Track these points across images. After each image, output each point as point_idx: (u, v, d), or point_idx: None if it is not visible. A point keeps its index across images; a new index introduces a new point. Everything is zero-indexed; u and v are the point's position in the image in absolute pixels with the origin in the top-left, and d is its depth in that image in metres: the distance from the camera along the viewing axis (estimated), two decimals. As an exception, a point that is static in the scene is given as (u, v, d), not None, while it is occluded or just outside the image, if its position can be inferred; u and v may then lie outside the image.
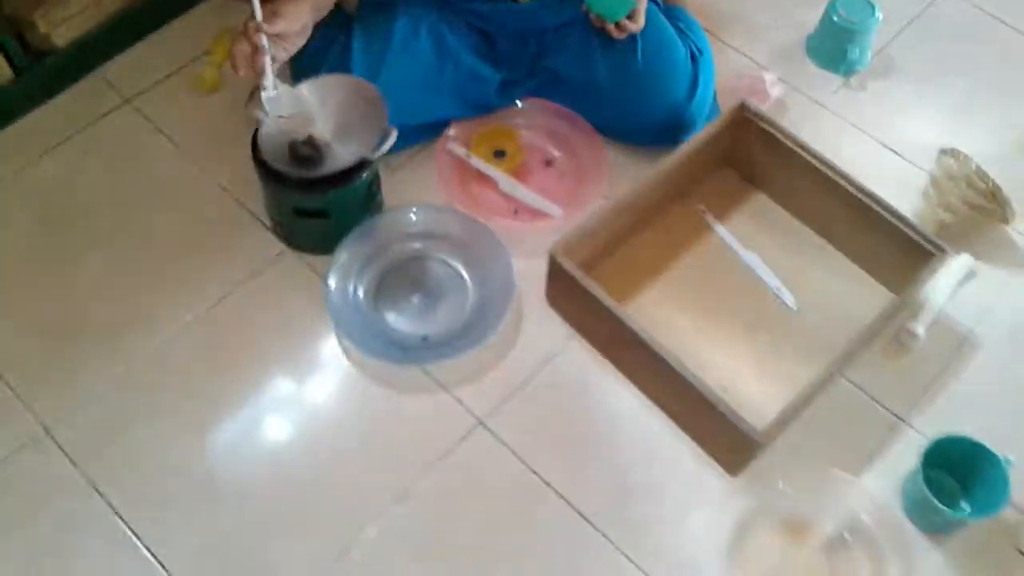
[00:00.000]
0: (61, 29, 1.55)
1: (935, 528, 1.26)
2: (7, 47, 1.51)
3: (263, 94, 1.30)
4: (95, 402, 1.31)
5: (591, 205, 1.46)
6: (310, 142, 1.35)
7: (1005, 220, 1.45)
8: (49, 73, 1.58)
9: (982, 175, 1.41)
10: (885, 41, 1.73)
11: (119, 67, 1.64)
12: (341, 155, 1.34)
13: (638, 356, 1.29)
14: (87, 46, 1.60)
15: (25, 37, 1.55)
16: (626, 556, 1.22)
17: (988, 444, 1.24)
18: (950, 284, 1.44)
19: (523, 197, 1.51)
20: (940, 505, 1.21)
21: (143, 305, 1.39)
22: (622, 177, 1.52)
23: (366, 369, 1.36)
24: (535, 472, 1.28)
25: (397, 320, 1.40)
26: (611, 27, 1.43)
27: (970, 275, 1.46)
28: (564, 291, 1.38)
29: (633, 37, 1.45)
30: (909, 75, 1.70)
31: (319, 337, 1.38)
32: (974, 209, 1.43)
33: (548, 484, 1.27)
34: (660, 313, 1.41)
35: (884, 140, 1.61)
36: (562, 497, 1.26)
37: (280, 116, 1.33)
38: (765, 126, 1.44)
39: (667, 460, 1.31)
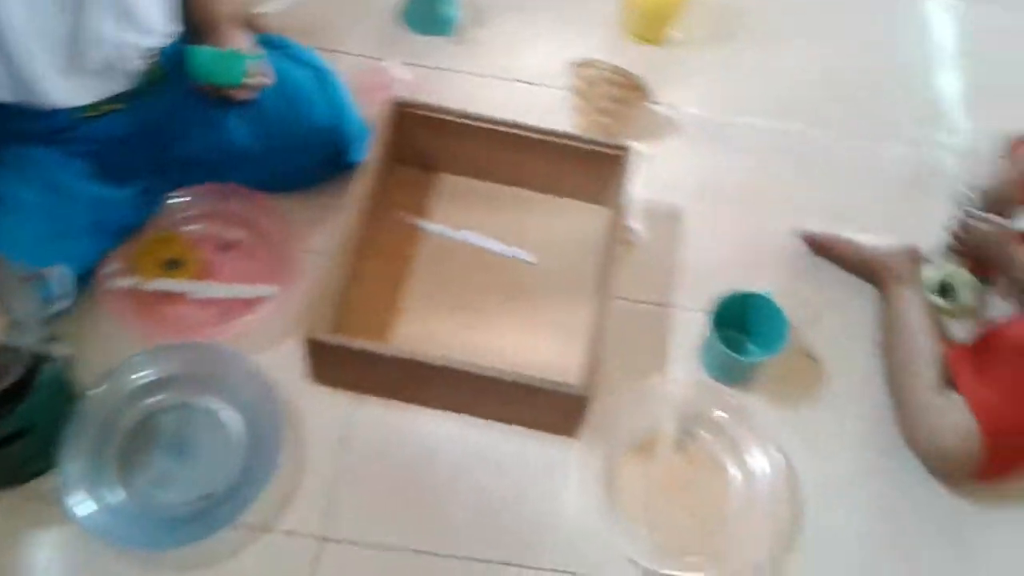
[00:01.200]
0: None
1: (742, 377, 1.36)
2: None
3: None
4: None
5: (299, 265, 1.35)
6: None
7: (645, 99, 1.57)
8: None
9: (618, 70, 1.50)
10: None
11: None
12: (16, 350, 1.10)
13: (433, 382, 1.24)
14: None
15: None
16: (530, 568, 1.19)
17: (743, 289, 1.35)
18: (635, 175, 1.53)
19: (225, 294, 1.35)
20: (739, 357, 1.31)
21: None
22: (315, 222, 1.42)
23: (171, 559, 1.16)
24: (401, 548, 1.19)
25: (172, 495, 1.19)
26: (235, 92, 1.31)
27: (647, 160, 1.56)
28: (329, 363, 1.27)
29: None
30: (501, 11, 1.76)
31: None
32: (621, 103, 1.53)
33: (419, 551, 1.19)
34: (423, 330, 1.35)
35: (514, 76, 1.66)
36: (439, 555, 1.19)
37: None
38: (420, 112, 1.41)
39: (512, 460, 1.27)
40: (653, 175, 1.55)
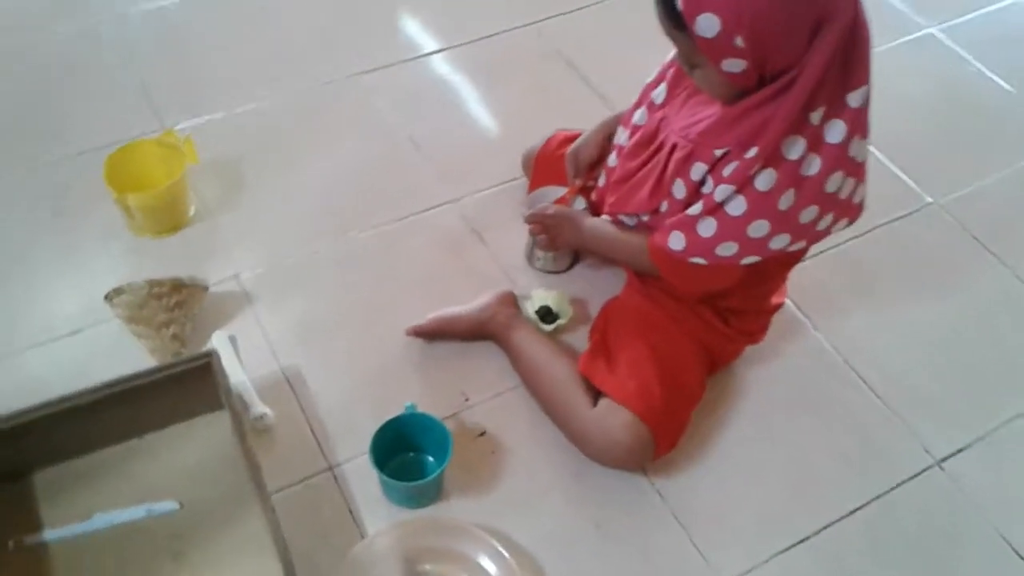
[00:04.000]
0: None
1: (435, 492, 1.36)
2: None
3: None
4: None
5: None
6: None
7: (204, 287, 1.50)
8: None
9: (154, 281, 1.41)
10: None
11: None
12: None
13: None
14: None
15: None
16: None
17: (386, 415, 1.34)
18: (234, 361, 1.47)
19: None
20: (421, 481, 1.30)
21: None
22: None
23: None
24: None
25: None
26: None
27: (233, 339, 1.50)
28: None
29: None
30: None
31: None
32: (180, 307, 1.44)
33: None
34: None
35: (51, 337, 1.51)
36: None
37: None
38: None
39: None
40: (252, 352, 1.50)
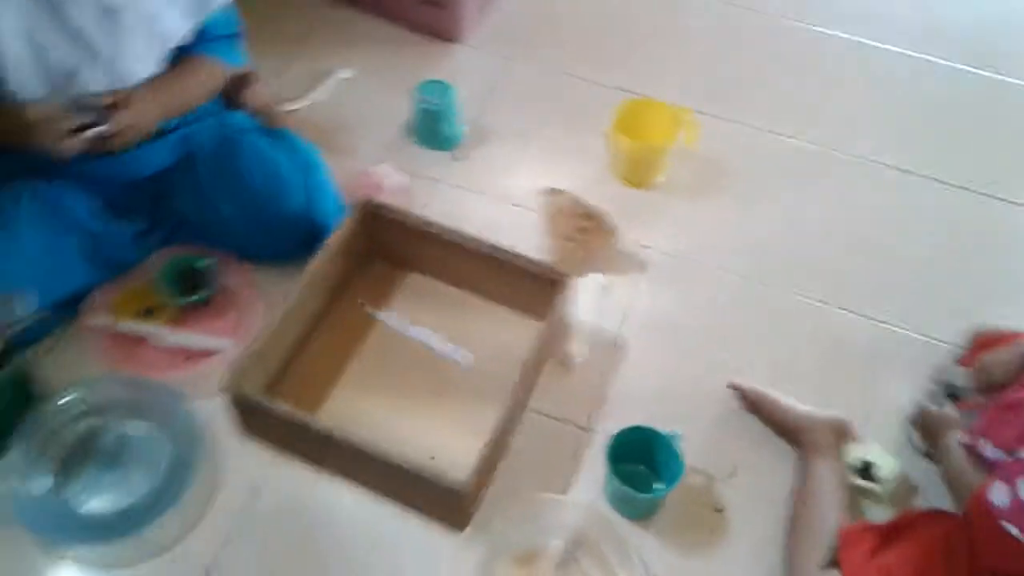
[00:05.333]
0: None
1: (640, 513, 1.41)
2: None
3: None
4: None
5: (256, 327, 1.50)
6: None
7: (611, 234, 1.68)
8: None
9: (580, 202, 1.62)
10: (476, 112, 1.94)
11: None
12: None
13: (341, 454, 1.34)
14: None
15: None
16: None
17: (657, 426, 1.41)
18: (590, 302, 1.63)
19: (185, 342, 1.51)
20: (634, 491, 1.36)
21: None
22: (282, 292, 1.57)
23: (71, 560, 1.31)
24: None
25: (92, 502, 1.34)
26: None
27: (605, 290, 1.67)
28: (250, 418, 1.40)
29: (236, 166, 1.54)
30: (502, 136, 1.92)
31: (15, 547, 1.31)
32: (582, 232, 1.64)
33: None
34: (353, 408, 1.47)
35: (500, 195, 1.81)
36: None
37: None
38: (392, 215, 1.57)
39: (398, 540, 1.36)
40: (608, 305, 1.65)
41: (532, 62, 2.08)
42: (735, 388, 1.54)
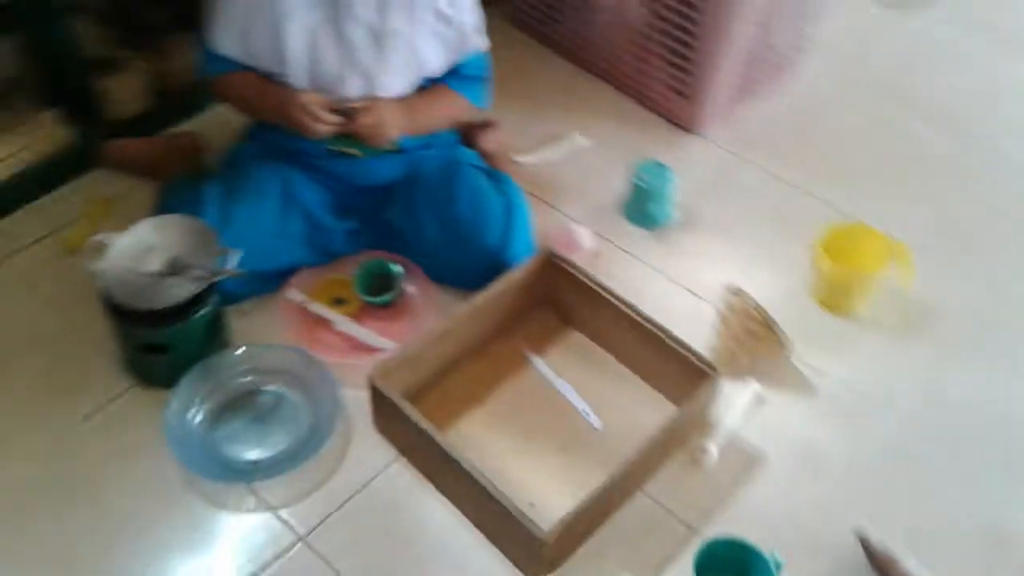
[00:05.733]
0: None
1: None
2: None
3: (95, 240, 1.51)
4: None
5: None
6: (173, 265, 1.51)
7: (782, 347, 1.63)
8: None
9: (757, 308, 1.59)
10: (692, 200, 1.96)
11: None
12: (181, 285, 1.49)
13: (451, 474, 1.41)
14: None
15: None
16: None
17: (763, 550, 1.34)
18: (741, 407, 1.59)
19: (358, 335, 1.66)
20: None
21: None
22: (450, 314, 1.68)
23: (196, 487, 1.46)
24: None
25: (231, 446, 1.51)
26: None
27: (759, 400, 1.62)
28: (386, 415, 1.50)
29: (451, 193, 1.68)
30: (710, 229, 1.93)
31: (160, 460, 1.49)
32: (753, 338, 1.61)
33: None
34: (479, 437, 1.54)
35: (685, 283, 1.81)
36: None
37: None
38: (570, 270, 1.63)
39: (478, 573, 1.39)
40: (759, 417, 1.60)
41: (762, 165, 2.08)
42: (863, 540, 1.43)
